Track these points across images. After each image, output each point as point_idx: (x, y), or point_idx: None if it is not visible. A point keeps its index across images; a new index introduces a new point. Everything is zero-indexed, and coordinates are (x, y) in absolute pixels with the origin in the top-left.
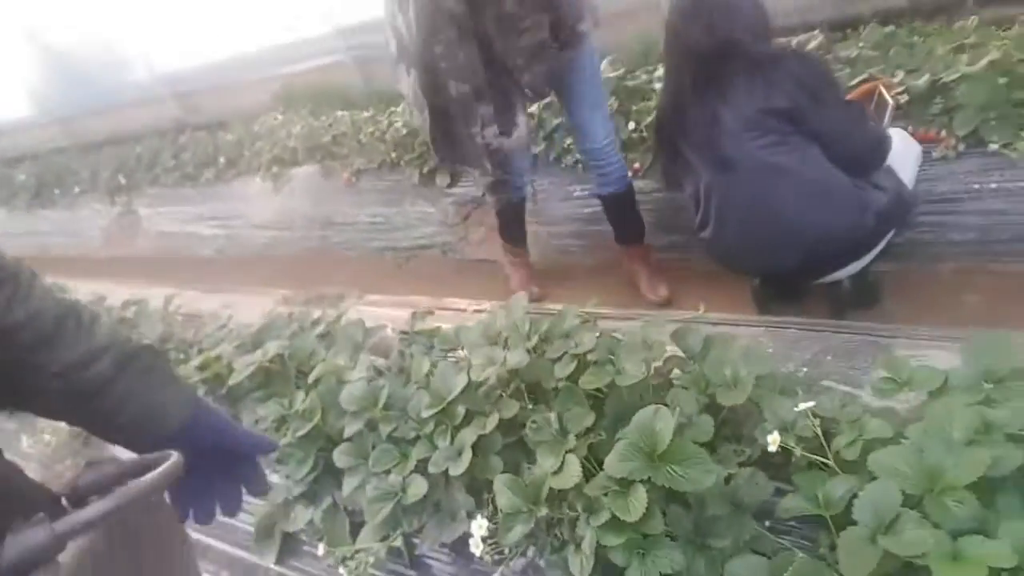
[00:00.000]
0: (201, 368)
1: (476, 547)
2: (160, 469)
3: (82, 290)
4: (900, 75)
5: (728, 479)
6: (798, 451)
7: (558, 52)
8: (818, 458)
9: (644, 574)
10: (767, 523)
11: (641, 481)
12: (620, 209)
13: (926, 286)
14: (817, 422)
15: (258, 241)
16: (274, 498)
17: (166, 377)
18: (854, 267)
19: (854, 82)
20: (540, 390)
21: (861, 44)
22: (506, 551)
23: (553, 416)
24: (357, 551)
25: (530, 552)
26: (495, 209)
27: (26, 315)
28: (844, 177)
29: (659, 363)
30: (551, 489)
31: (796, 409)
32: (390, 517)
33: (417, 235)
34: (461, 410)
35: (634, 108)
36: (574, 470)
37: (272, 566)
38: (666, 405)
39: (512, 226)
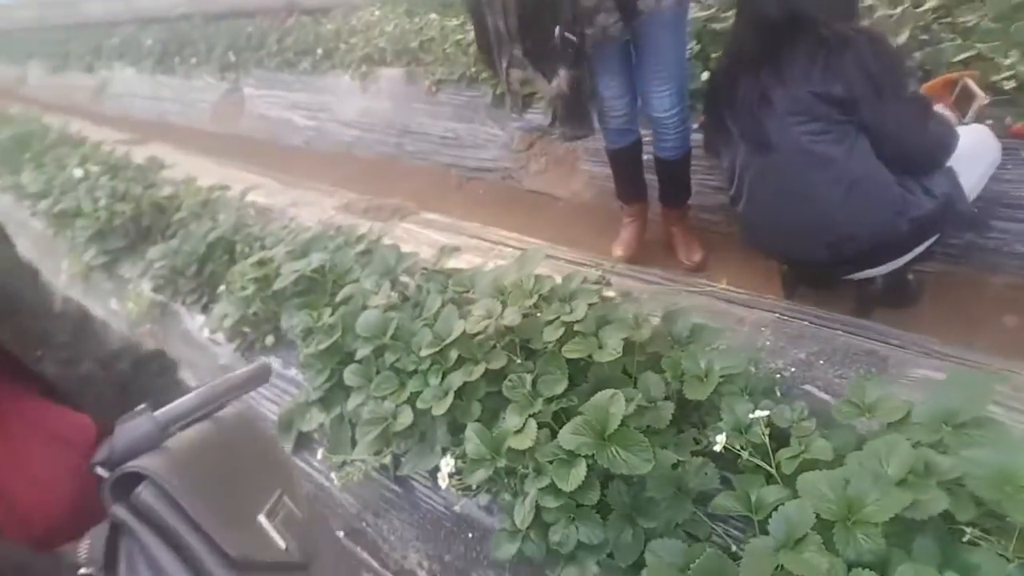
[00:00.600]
0: (257, 265)
1: (442, 480)
2: (249, 367)
3: (185, 165)
4: (1013, 56)
5: (678, 464)
6: (744, 455)
7: None
8: (763, 464)
9: (565, 537)
10: (708, 509)
11: (585, 456)
12: (671, 173)
13: (971, 297)
14: (767, 431)
15: (341, 138)
16: (298, 397)
17: (176, 379)
18: (889, 266)
19: (957, 58)
20: (530, 349)
21: (983, 14)
22: (472, 487)
23: (529, 378)
24: (351, 460)
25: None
26: (608, 155)
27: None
28: (888, 176)
29: (644, 340)
30: (510, 446)
31: (750, 416)
32: (381, 437)
33: (483, 156)
34: (455, 354)
35: (713, 55)
36: (531, 434)
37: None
38: (635, 387)
39: (625, 177)
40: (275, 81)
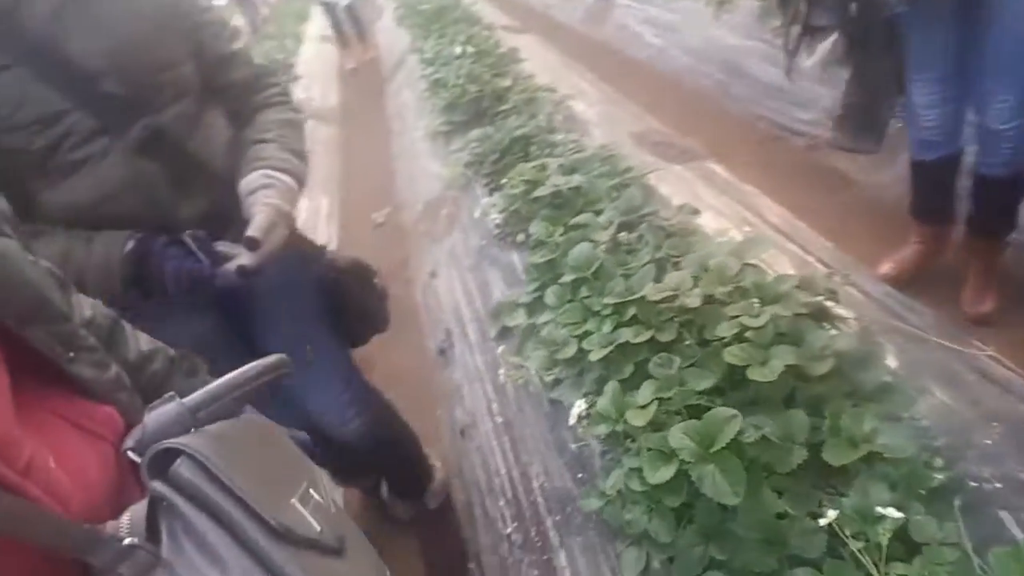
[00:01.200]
0: (533, 170)
1: (572, 418)
2: (270, 359)
3: (538, 60)
4: None
5: (785, 516)
6: (852, 546)
7: None
8: (869, 566)
9: (635, 521)
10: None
11: (681, 460)
12: (994, 196)
13: None
14: (889, 533)
15: (677, 63)
16: (512, 295)
17: (206, 379)
18: None
19: None
20: (703, 334)
21: None
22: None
23: (678, 362)
24: (522, 365)
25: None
26: (912, 166)
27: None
28: None
29: (817, 374)
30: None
31: (879, 509)
32: (549, 358)
33: (799, 116)
34: (632, 311)
35: None
36: (648, 414)
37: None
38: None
39: (927, 193)
40: None
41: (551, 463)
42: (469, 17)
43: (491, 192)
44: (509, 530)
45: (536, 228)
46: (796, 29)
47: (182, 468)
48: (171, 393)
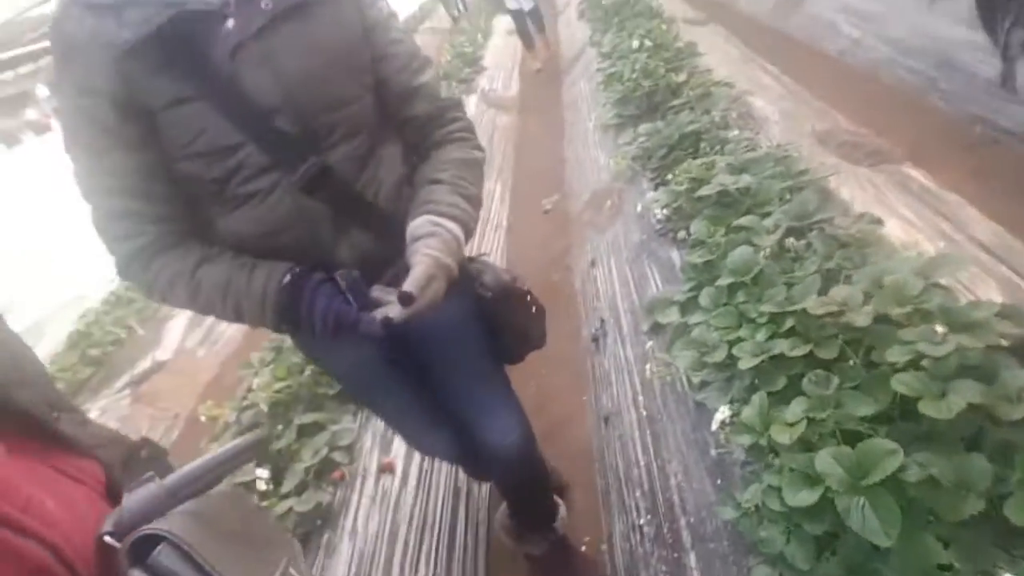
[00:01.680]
0: (702, 167)
1: (715, 423)
2: (245, 439)
3: (718, 53)
4: None
5: (950, 568)
6: None
7: None
8: None
9: (771, 541)
10: None
11: (827, 488)
12: None
13: None
14: None
15: (875, 55)
16: (667, 291)
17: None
18: None
19: None
20: (870, 356)
21: None
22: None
23: (836, 382)
24: (670, 364)
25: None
26: None
27: None
28: None
29: (1008, 418)
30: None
31: None
32: (697, 360)
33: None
34: (790, 323)
35: None
36: (796, 432)
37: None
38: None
39: None
40: None
41: (691, 464)
42: (649, 11)
43: (656, 187)
44: (642, 521)
45: (697, 227)
46: (1018, 32)
47: (162, 556)
48: (150, 473)
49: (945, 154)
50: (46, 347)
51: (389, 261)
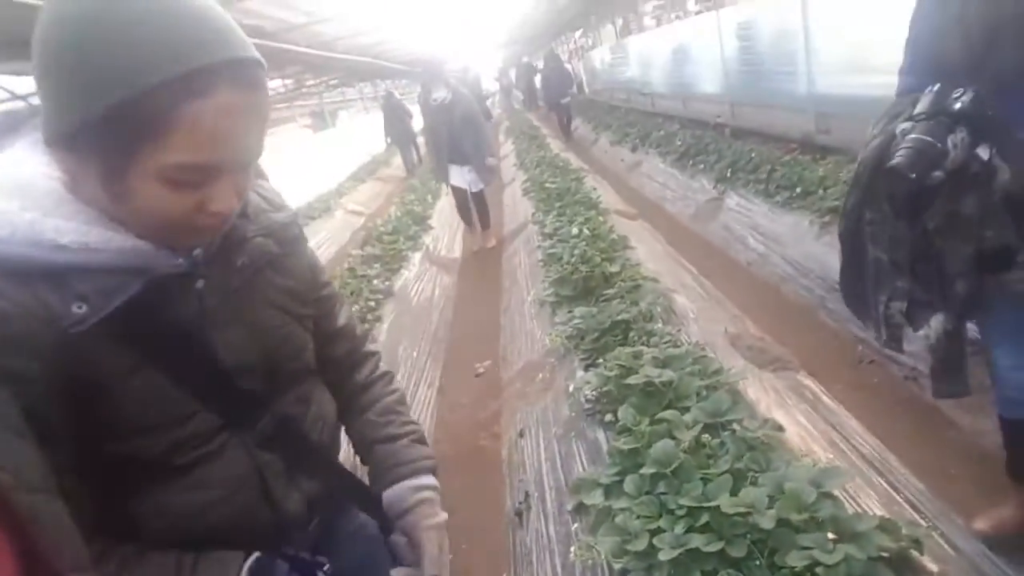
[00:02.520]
0: (630, 356)
1: None
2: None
3: (647, 247)
4: None
5: None
6: None
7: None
8: None
9: None
10: None
11: None
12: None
13: None
14: None
15: (777, 270)
16: (592, 473)
17: None
18: None
19: None
20: (773, 559)
21: None
22: None
23: None
24: (593, 547)
25: None
26: (1000, 423)
27: None
28: None
29: None
30: None
31: None
32: (619, 546)
33: None
34: (705, 518)
35: None
36: None
37: None
38: None
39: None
40: (750, 202)
41: None
42: (588, 201)
43: (587, 368)
44: None
45: (624, 414)
46: (896, 305)
47: None
48: None
49: (833, 367)
50: None
51: (330, 503)
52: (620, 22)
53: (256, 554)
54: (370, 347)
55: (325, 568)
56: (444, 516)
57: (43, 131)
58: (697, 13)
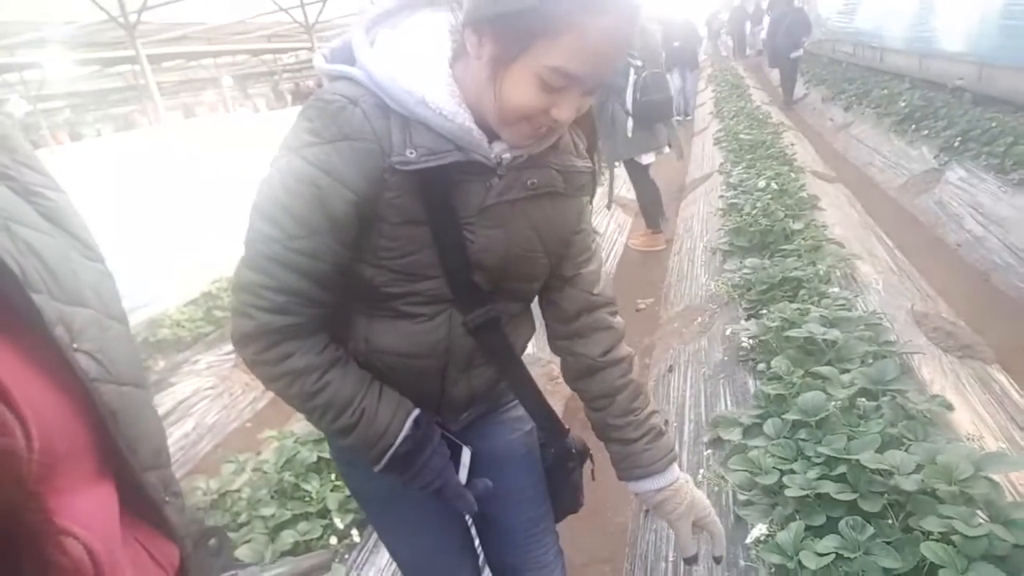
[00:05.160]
0: (797, 311)
1: (750, 537)
2: (315, 556)
3: (838, 211)
4: None
5: None
6: None
7: None
8: None
9: None
10: None
11: None
12: None
13: None
14: None
15: (991, 257)
16: (734, 412)
17: (228, 559)
18: None
19: None
20: (907, 521)
21: None
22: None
23: (871, 531)
24: (721, 476)
25: None
26: None
27: None
28: None
29: None
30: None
31: None
32: (747, 480)
33: None
34: (841, 468)
35: None
36: (817, 564)
37: None
38: None
39: None
40: (977, 177)
41: (717, 571)
42: (782, 156)
43: (748, 317)
44: None
45: (778, 363)
46: None
47: None
48: (232, 573)
49: None
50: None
51: (484, 402)
52: None
53: (419, 410)
54: (614, 322)
55: (466, 450)
56: (689, 500)
57: (466, 11)
58: None
